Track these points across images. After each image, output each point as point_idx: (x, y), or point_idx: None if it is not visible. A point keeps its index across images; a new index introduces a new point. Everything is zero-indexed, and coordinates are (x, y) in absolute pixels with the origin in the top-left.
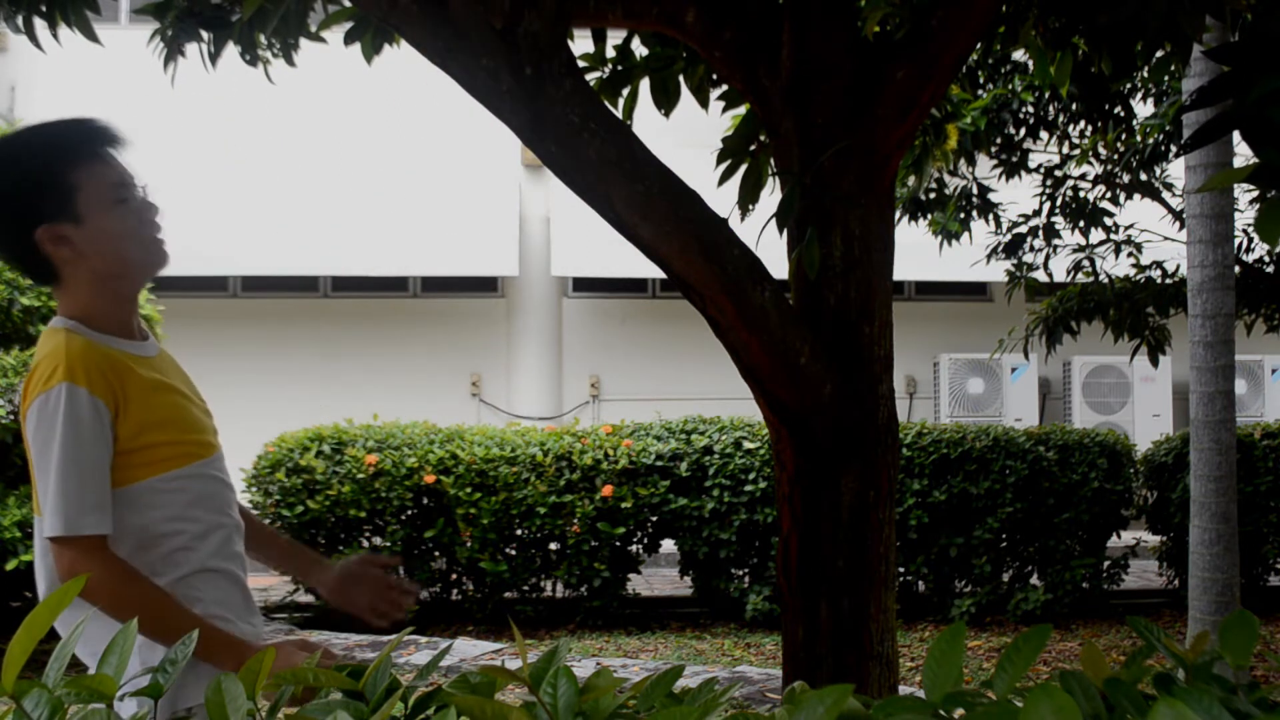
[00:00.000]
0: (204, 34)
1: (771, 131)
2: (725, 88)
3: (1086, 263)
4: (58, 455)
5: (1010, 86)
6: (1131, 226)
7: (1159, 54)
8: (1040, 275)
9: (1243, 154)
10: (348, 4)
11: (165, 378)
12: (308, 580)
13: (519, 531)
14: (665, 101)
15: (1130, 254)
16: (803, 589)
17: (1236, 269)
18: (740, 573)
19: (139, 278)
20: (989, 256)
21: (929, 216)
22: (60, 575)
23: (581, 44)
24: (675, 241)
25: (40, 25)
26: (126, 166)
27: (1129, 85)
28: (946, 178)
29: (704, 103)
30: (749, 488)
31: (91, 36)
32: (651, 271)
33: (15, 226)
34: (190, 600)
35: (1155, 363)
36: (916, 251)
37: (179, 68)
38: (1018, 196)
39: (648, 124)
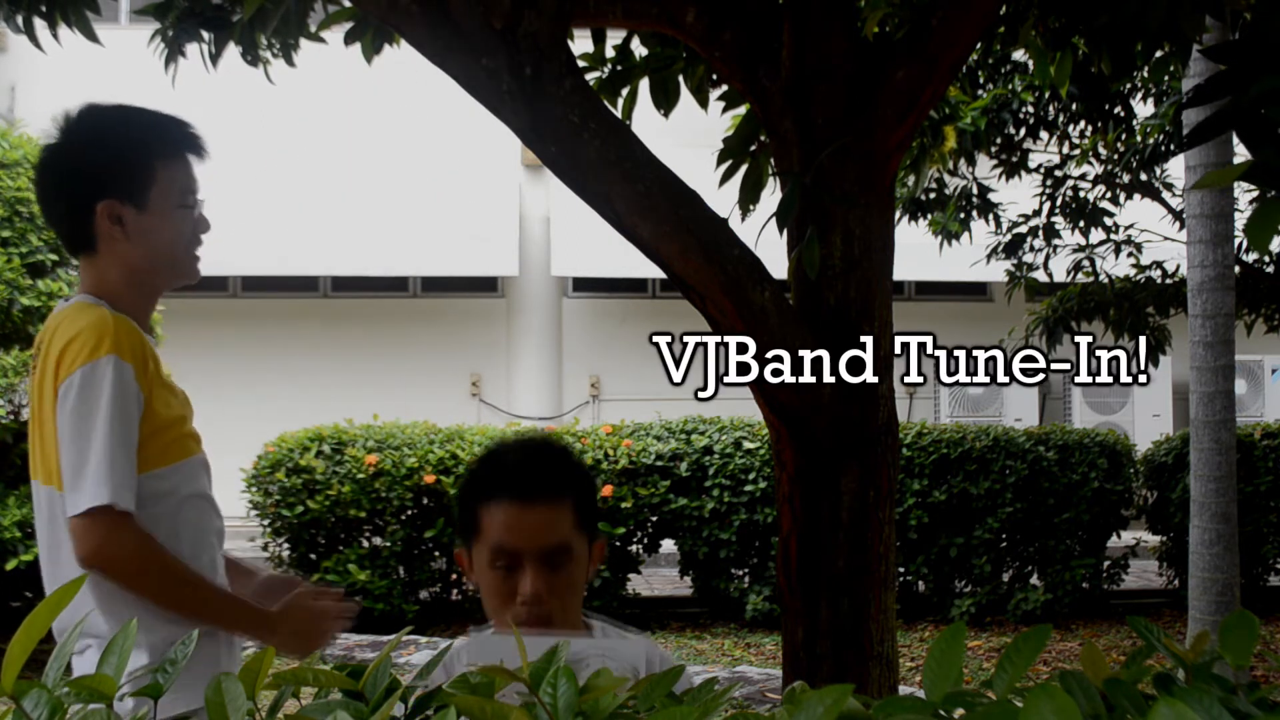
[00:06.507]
0: (204, 34)
1: (771, 131)
2: (725, 88)
3: (1086, 263)
4: (104, 427)
5: (1010, 86)
6: (1131, 226)
7: (1159, 54)
8: (1040, 275)
9: (1243, 154)
10: (348, 4)
11: (172, 380)
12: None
13: None
14: (665, 102)
15: (1130, 254)
16: (803, 589)
17: (1236, 269)
18: (740, 573)
19: (168, 282)
20: (989, 256)
21: (929, 216)
22: (88, 549)
23: (581, 44)
24: (675, 242)
25: (40, 25)
26: (197, 178)
27: (1129, 85)
28: (946, 178)
29: (704, 103)
30: (749, 488)
31: (92, 37)
32: (651, 271)
33: (82, 191)
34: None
35: (1155, 362)
36: (916, 251)
37: (179, 68)
38: (1018, 196)
39: (648, 124)
